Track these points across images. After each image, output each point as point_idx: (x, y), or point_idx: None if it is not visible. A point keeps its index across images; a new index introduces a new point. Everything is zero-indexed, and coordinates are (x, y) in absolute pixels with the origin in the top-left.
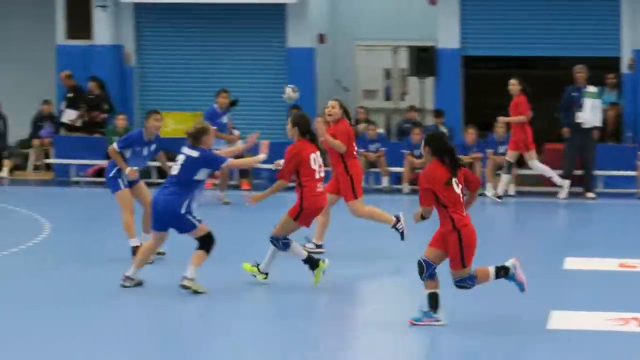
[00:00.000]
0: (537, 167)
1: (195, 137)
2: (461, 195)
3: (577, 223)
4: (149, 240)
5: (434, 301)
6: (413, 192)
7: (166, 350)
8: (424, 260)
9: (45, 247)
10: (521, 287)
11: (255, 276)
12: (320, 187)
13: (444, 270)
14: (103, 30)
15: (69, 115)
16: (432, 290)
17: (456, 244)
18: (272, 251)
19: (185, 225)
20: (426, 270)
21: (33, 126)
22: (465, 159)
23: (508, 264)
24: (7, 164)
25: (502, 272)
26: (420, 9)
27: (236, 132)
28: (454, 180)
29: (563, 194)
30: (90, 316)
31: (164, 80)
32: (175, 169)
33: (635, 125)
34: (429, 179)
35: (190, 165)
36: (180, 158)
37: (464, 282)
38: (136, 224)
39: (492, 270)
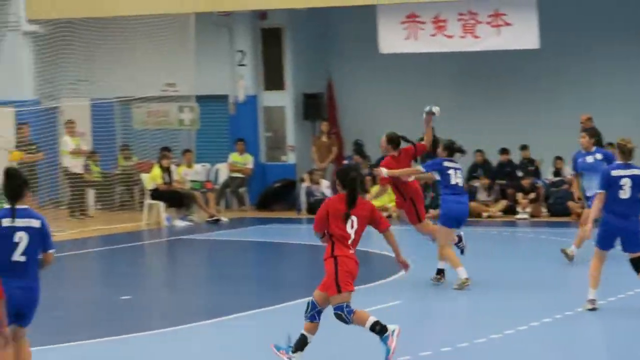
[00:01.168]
0: None
1: (630, 154)
2: (352, 236)
3: None
4: (594, 262)
5: (300, 343)
6: None
7: None
8: (311, 301)
9: None
10: (387, 353)
11: None
12: None
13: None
14: None
15: None
16: (304, 332)
17: (332, 268)
18: None
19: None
20: (310, 310)
21: None
22: None
23: (390, 326)
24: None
25: (378, 327)
26: None
27: None
28: (351, 217)
29: None
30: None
31: None
32: (624, 192)
33: None
34: (328, 207)
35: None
36: (626, 181)
37: (342, 310)
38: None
39: (371, 319)
